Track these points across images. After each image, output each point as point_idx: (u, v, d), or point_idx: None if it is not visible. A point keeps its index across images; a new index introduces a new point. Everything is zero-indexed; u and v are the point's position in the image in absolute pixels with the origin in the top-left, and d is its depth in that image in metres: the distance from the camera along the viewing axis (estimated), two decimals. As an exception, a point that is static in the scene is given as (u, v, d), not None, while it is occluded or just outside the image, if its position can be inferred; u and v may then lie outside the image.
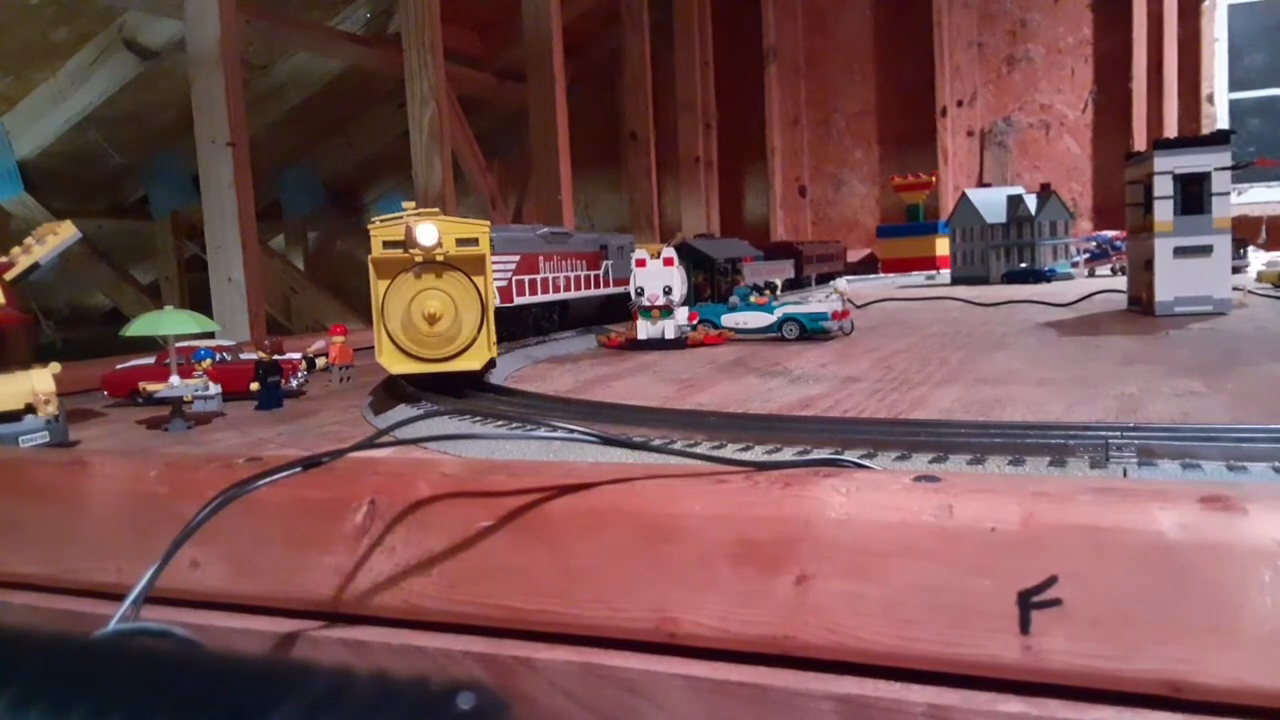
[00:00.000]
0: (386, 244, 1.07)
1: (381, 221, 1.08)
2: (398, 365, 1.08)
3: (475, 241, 1.09)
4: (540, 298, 1.95)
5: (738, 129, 5.35)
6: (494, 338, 1.11)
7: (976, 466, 0.70)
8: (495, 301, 1.37)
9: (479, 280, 1.08)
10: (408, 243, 1.06)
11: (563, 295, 2.05)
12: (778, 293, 2.28)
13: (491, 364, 1.20)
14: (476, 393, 1.17)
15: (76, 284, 3.66)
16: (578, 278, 2.12)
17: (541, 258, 1.95)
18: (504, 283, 1.79)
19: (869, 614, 0.41)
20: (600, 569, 0.47)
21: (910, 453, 0.73)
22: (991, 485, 0.43)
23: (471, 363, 1.08)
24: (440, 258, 1.07)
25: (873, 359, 1.47)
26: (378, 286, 1.06)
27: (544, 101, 3.51)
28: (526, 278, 1.88)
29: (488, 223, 1.15)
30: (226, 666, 0.20)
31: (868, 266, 4.81)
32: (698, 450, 0.75)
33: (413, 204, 1.16)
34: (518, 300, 1.84)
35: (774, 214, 5.37)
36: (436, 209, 1.20)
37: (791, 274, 3.51)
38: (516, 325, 1.89)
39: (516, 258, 1.84)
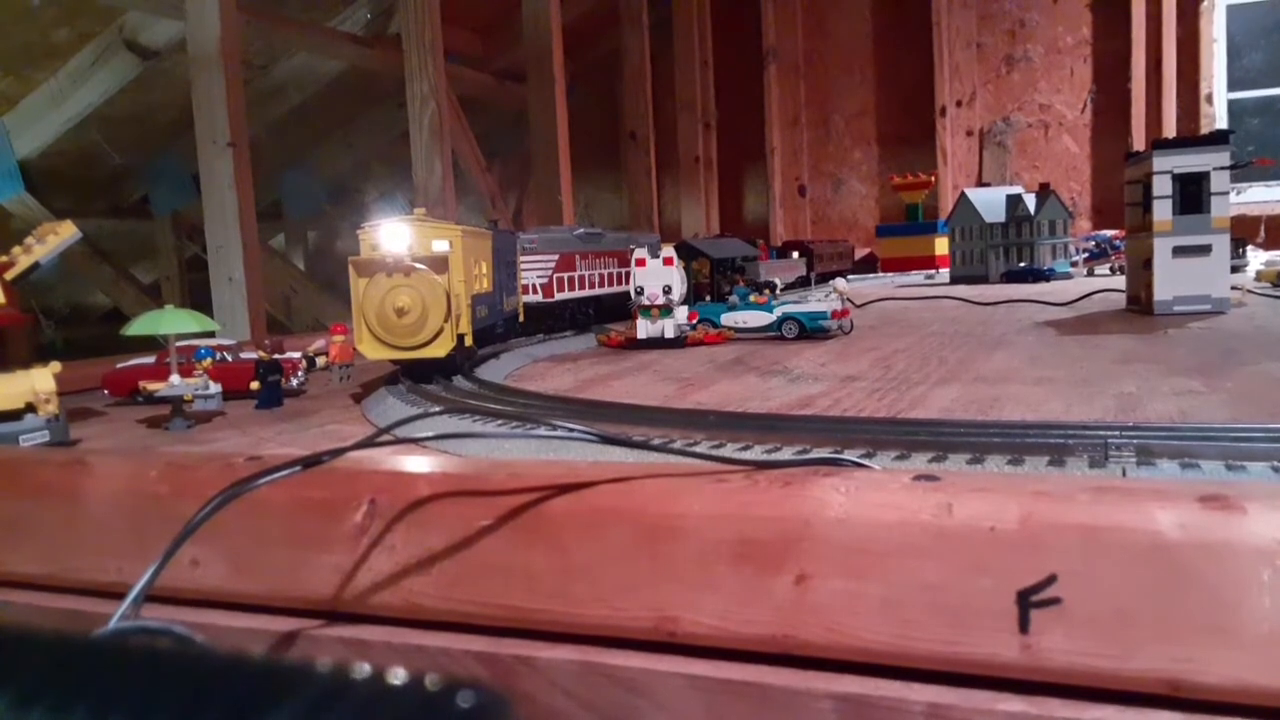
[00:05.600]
0: (373, 246, 1.20)
1: (370, 227, 1.21)
2: (374, 352, 1.20)
3: (449, 244, 1.22)
4: (577, 294, 2.06)
5: (737, 129, 5.35)
6: (464, 329, 1.22)
7: (976, 466, 0.70)
8: (522, 299, 1.66)
9: (444, 278, 1.18)
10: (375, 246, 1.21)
11: (597, 291, 2.16)
12: (777, 292, 2.28)
13: (471, 353, 1.34)
14: (475, 389, 1.19)
15: (77, 283, 3.66)
16: (610, 274, 2.23)
17: (578, 256, 2.06)
18: (545, 280, 1.94)
19: (868, 613, 0.41)
20: (600, 568, 0.47)
21: (909, 452, 0.73)
22: (991, 484, 0.43)
23: (437, 350, 1.19)
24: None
25: (872, 358, 1.47)
26: (357, 284, 1.18)
27: (544, 101, 3.51)
28: (565, 275, 2.00)
29: (460, 228, 1.26)
30: (227, 665, 0.20)
31: (867, 266, 4.81)
32: (697, 449, 0.75)
33: (422, 210, 1.30)
34: (558, 296, 1.96)
35: (773, 213, 5.37)
36: (423, 210, 1.32)
37: (804, 272, 3.53)
38: (556, 319, 2.02)
39: (556, 256, 1.96)
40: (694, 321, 1.88)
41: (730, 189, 5.48)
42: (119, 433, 1.16)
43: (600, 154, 5.06)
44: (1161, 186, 1.81)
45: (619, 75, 4.83)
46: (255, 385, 1.28)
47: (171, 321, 1.13)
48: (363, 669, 0.19)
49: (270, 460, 0.57)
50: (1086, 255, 3.68)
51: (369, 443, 0.54)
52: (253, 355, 1.38)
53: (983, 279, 3.52)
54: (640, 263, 1.80)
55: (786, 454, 0.76)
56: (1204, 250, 1.81)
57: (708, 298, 2.46)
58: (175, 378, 1.13)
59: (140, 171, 3.63)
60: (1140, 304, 1.98)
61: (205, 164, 2.35)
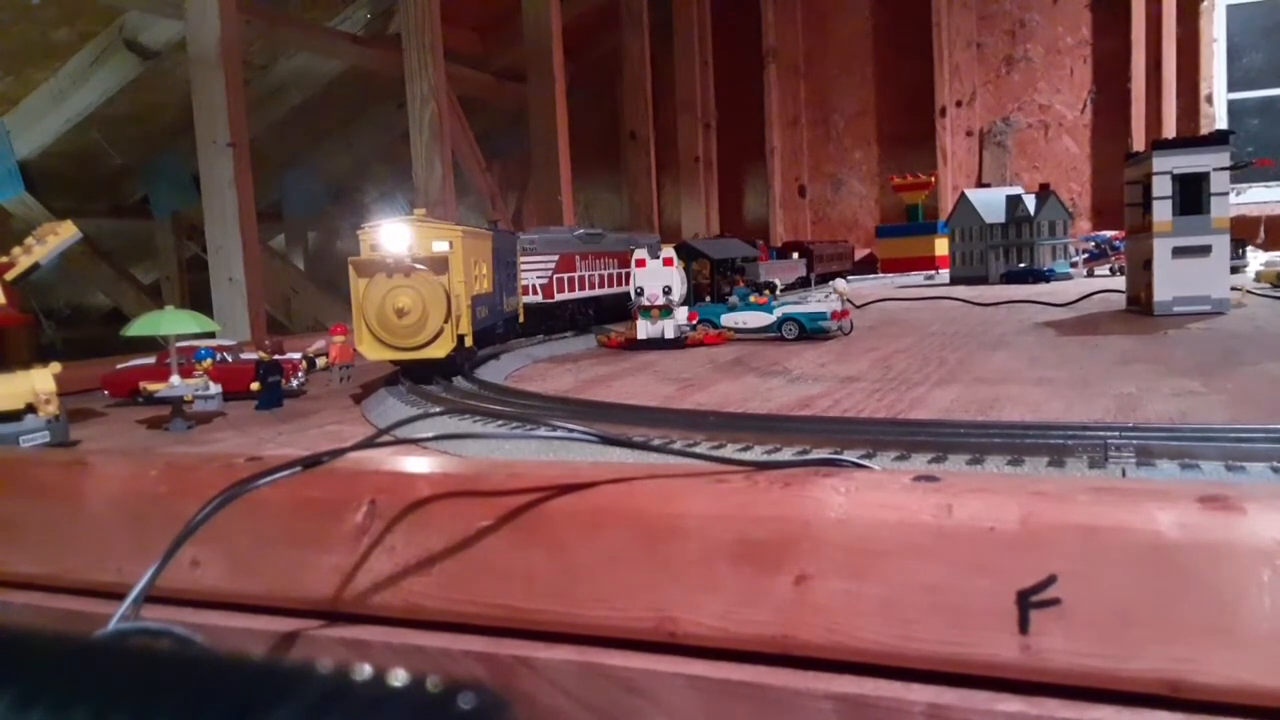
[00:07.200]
0: (373, 246, 1.20)
1: (370, 227, 1.21)
2: (374, 352, 1.20)
3: (449, 244, 1.22)
4: (577, 294, 2.06)
5: (737, 129, 5.35)
6: (464, 329, 1.22)
7: (975, 466, 0.70)
8: (522, 299, 1.67)
9: (444, 279, 1.18)
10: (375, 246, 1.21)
11: (597, 292, 2.16)
12: (777, 293, 2.28)
13: (471, 353, 1.34)
14: (476, 389, 1.19)
15: (77, 284, 3.66)
16: (610, 275, 2.23)
17: (578, 257, 2.07)
18: (545, 280, 1.94)
19: (868, 613, 0.41)
20: (600, 568, 0.47)
21: (909, 452, 0.73)
22: (990, 485, 0.43)
23: (437, 351, 1.19)
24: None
25: (872, 359, 1.47)
26: (357, 285, 1.18)
27: (544, 101, 3.51)
28: (565, 275, 2.00)
29: (460, 229, 1.26)
30: (227, 666, 0.20)
31: (867, 266, 4.81)
32: (697, 450, 0.75)
33: (422, 210, 1.30)
34: (558, 296, 1.97)
35: (773, 214, 5.38)
36: (424, 210, 1.32)
37: (804, 272, 3.54)
38: (556, 320, 2.02)
39: (556, 257, 1.96)
40: (694, 322, 1.88)
41: (730, 189, 5.48)
42: (119, 433, 1.16)
43: (600, 154, 5.06)
44: (1161, 187, 1.81)
45: (619, 75, 4.83)
46: (255, 386, 1.28)
47: (171, 322, 1.13)
48: (363, 670, 0.19)
49: (270, 461, 0.57)
50: (1086, 256, 3.68)
51: (369, 443, 0.54)
52: (253, 356, 1.38)
53: (982, 280, 3.52)
54: (640, 263, 1.80)
55: (786, 454, 0.76)
56: (1204, 251, 1.81)
57: (708, 298, 2.46)
58: (175, 378, 1.13)
59: (140, 171, 3.63)
60: (1140, 304, 1.98)
61: (205, 164, 2.35)
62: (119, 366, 1.40)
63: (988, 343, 1.63)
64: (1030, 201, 3.52)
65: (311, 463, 0.52)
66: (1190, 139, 1.96)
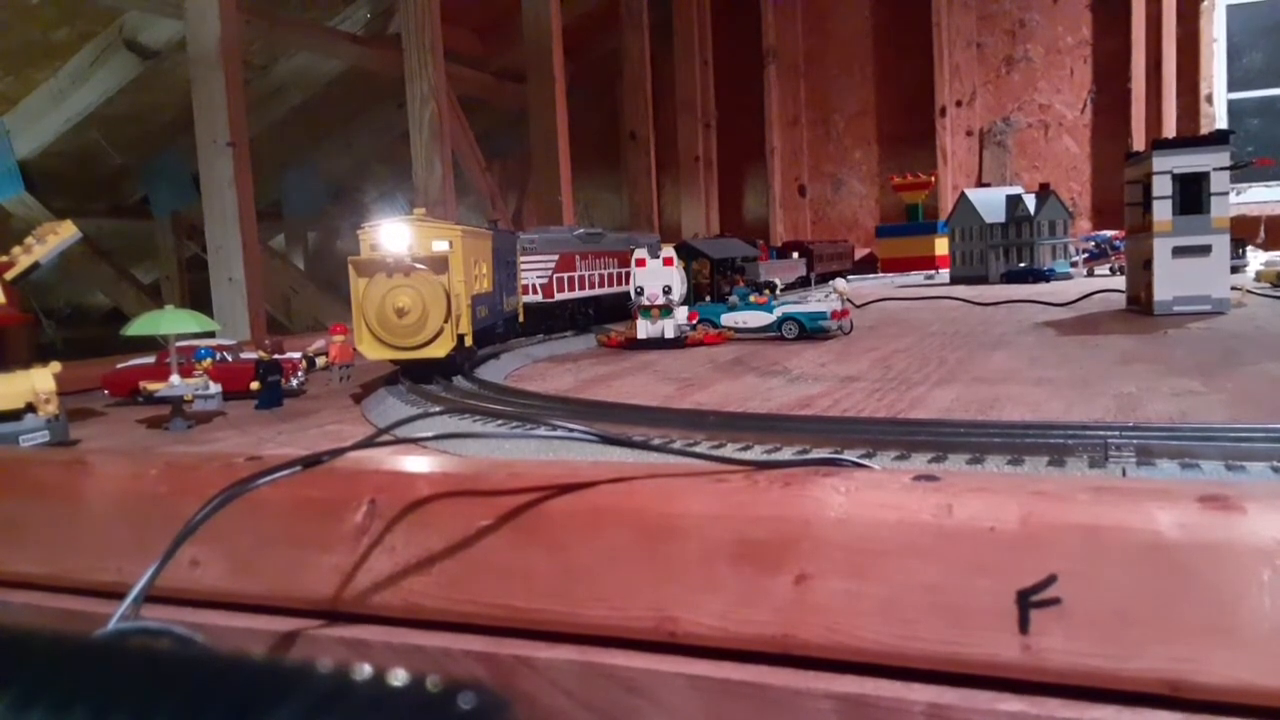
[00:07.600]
0: (373, 246, 1.20)
1: (370, 227, 1.21)
2: (374, 352, 1.20)
3: (449, 244, 1.22)
4: (577, 294, 2.06)
5: (737, 129, 5.35)
6: (464, 329, 1.22)
7: (976, 466, 0.70)
8: (522, 299, 1.67)
9: (444, 278, 1.18)
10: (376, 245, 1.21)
11: (597, 291, 2.16)
12: (777, 292, 2.28)
13: (471, 353, 1.35)
14: (475, 389, 1.19)
15: (77, 283, 3.66)
16: (610, 275, 2.24)
17: (578, 256, 2.07)
18: (545, 280, 1.94)
19: (868, 613, 0.41)
20: (600, 568, 0.47)
21: (909, 452, 0.73)
22: (990, 484, 0.43)
23: (437, 351, 1.19)
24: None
25: (872, 358, 1.47)
26: (357, 284, 1.18)
27: (544, 101, 3.51)
28: (565, 275, 2.00)
29: (460, 228, 1.26)
30: (227, 666, 0.20)
31: (867, 266, 4.81)
32: (697, 449, 0.75)
33: (422, 210, 1.30)
34: (558, 296, 1.97)
35: (773, 214, 5.38)
36: (424, 210, 1.32)
37: (804, 272, 3.54)
38: (556, 320, 2.03)
39: (556, 257, 1.96)
40: (694, 322, 1.88)
41: (730, 189, 5.48)
42: (119, 433, 1.16)
43: (600, 154, 5.06)
44: (1161, 187, 1.81)
45: (619, 75, 4.83)
46: (255, 385, 1.28)
47: (171, 321, 1.13)
48: (363, 670, 0.19)
49: (270, 460, 0.57)
50: (1086, 255, 3.68)
51: (369, 443, 0.54)
52: (253, 355, 1.38)
53: (983, 279, 3.52)
54: (640, 263, 1.80)
55: (786, 454, 0.76)
56: (1204, 250, 1.81)
57: (708, 298, 2.46)
58: (175, 378, 1.13)
59: (140, 171, 3.63)
60: (1140, 304, 1.98)
61: (205, 164, 2.35)
62: (119, 366, 1.40)
63: (988, 342, 1.63)
64: (1030, 201, 3.52)
65: (311, 462, 0.52)
66: (1190, 139, 1.96)
